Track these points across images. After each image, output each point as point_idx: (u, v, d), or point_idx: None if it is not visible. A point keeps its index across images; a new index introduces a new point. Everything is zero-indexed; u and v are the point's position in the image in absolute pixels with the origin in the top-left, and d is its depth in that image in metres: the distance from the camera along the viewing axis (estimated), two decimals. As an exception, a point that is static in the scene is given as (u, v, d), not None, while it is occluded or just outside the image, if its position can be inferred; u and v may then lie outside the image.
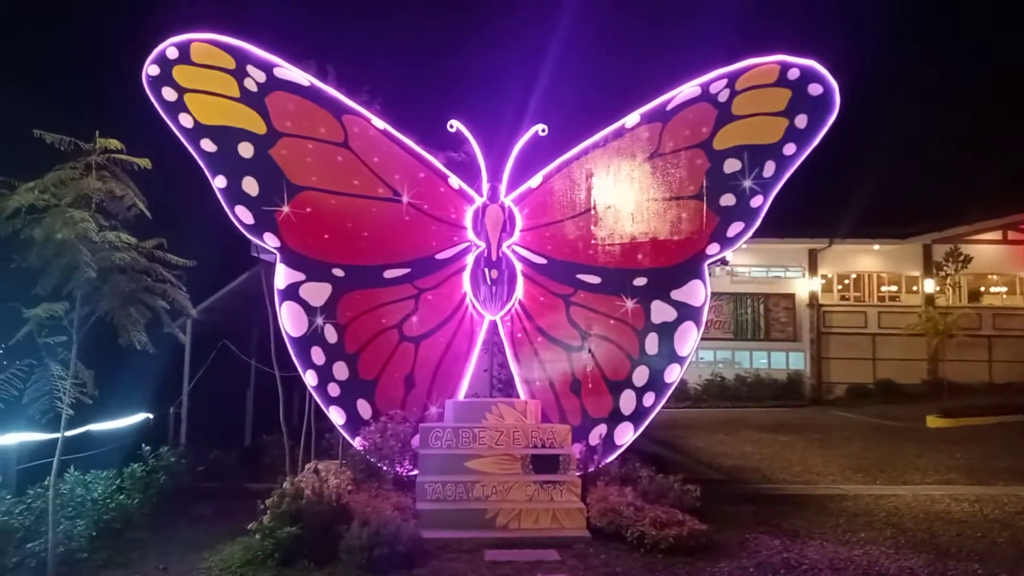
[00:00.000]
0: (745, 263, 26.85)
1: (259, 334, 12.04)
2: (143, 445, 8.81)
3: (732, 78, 8.79)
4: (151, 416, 11.07)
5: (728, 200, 8.82)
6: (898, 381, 25.50)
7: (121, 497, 7.66)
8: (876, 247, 27.52)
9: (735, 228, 8.85)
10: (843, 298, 28.10)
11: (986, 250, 27.21)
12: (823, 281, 27.71)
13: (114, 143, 6.46)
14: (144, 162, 6.67)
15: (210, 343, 11.95)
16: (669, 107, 9.01)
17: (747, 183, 8.73)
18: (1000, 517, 8.49)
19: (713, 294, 9.41)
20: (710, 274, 9.37)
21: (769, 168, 8.67)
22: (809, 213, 23.75)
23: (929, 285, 27.06)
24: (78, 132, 6.53)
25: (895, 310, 27.18)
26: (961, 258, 24.96)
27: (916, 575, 6.25)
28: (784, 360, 27.03)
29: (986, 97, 38.72)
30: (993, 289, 28.51)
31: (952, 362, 24.27)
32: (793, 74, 8.57)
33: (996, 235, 27.49)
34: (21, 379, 6.11)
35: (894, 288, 28.32)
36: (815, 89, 8.51)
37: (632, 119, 9.15)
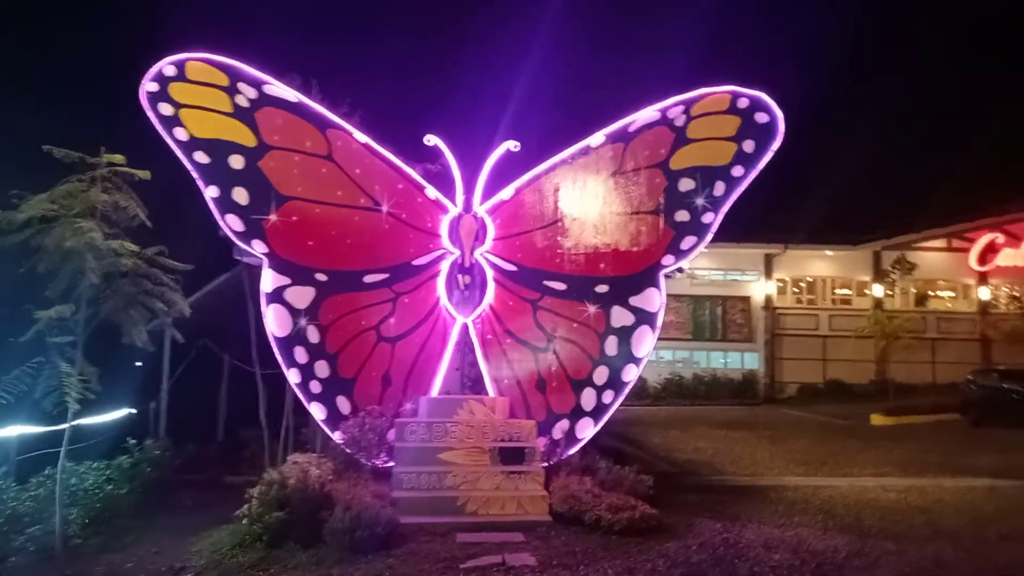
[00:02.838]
0: (704, 266, 27.69)
1: (234, 333, 12.46)
2: (127, 439, 9.26)
3: (688, 104, 9.55)
4: (133, 411, 11.46)
5: (683, 216, 9.59)
6: (847, 381, 26.52)
7: (110, 487, 8.10)
8: (829, 253, 28.59)
9: (688, 241, 9.62)
10: (797, 301, 29.15)
11: (932, 257, 28.52)
12: (778, 285, 28.72)
13: (119, 157, 6.98)
14: (144, 174, 7.20)
15: (186, 341, 12.32)
16: (630, 129, 9.74)
17: (700, 201, 9.51)
18: (921, 504, 9.36)
19: (673, 296, 10.17)
20: (670, 278, 10.14)
21: (719, 188, 9.46)
22: (766, 219, 24.68)
23: (878, 290, 28.28)
24: (62, 143, 6.99)
25: (845, 313, 28.31)
26: (907, 266, 26.32)
27: (838, 551, 7.05)
28: (740, 360, 27.97)
29: (932, 115, 40.46)
30: (940, 294, 29.87)
31: (899, 363, 25.45)
32: (742, 103, 9.37)
33: (941, 243, 28.73)
34: (30, 375, 6.61)
35: (846, 292, 29.51)
36: (762, 117, 9.32)
37: (597, 139, 9.85)
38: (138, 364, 11.05)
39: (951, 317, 28.78)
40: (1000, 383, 18.06)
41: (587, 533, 7.44)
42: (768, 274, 28.35)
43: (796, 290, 29.30)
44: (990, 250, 27.86)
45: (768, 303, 28.18)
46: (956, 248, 28.78)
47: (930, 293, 29.40)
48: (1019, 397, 17.17)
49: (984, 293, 28.70)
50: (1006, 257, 27.60)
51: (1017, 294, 28.81)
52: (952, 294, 29.81)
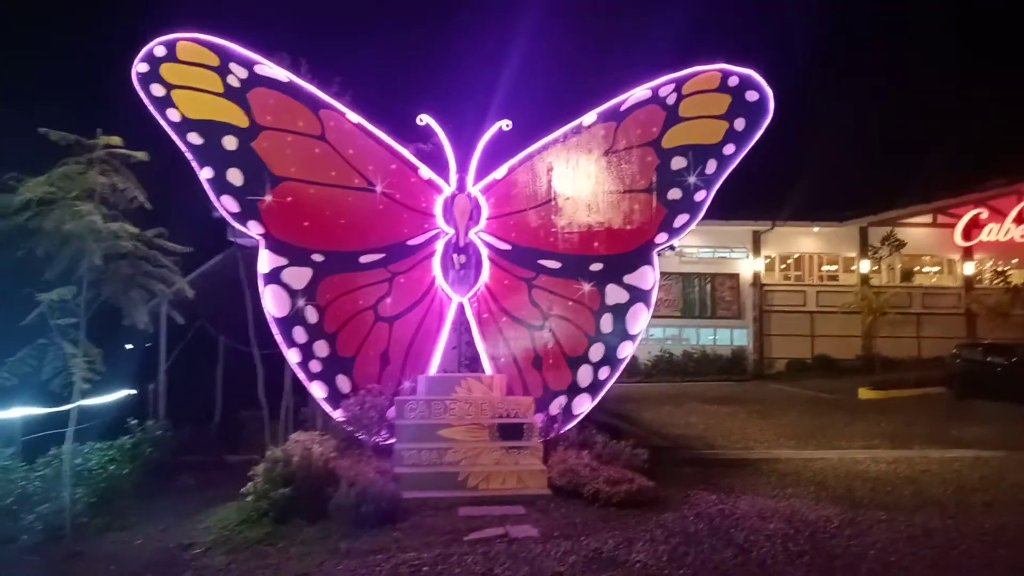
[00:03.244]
0: (693, 244, 27.89)
1: (229, 314, 12.49)
2: (129, 419, 9.33)
3: (679, 83, 9.62)
4: (133, 392, 11.50)
5: (675, 194, 9.70)
6: (834, 356, 26.86)
7: (113, 468, 8.18)
8: (816, 229, 28.86)
9: (681, 219, 9.74)
10: (785, 278, 29.45)
11: (917, 233, 28.82)
12: (766, 261, 28.99)
13: (116, 139, 6.98)
14: (142, 155, 7.20)
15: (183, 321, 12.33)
16: (622, 108, 9.80)
17: (692, 179, 9.62)
18: (910, 475, 9.59)
19: (663, 273, 10.24)
20: (660, 255, 10.26)
21: (711, 166, 9.57)
22: (753, 197, 24.80)
23: (864, 266, 28.61)
24: (56, 128, 6.98)
25: (832, 289, 28.63)
26: (895, 242, 26.65)
27: (831, 521, 7.25)
28: (729, 336, 28.30)
29: (917, 93, 40.75)
30: (925, 269, 30.24)
31: (885, 338, 25.81)
32: (733, 81, 9.46)
33: (927, 219, 29.02)
34: (35, 357, 6.66)
35: (833, 268, 29.82)
36: (752, 95, 9.42)
37: (589, 118, 9.90)
38: (129, 346, 11.08)
39: (936, 292, 29.18)
40: (984, 357, 18.37)
41: (586, 505, 7.61)
42: (756, 251, 28.60)
43: (784, 267, 29.58)
44: (974, 225, 28.19)
45: (756, 280, 28.45)
46: (941, 224, 29.09)
47: (915, 269, 29.79)
48: (1003, 370, 17.49)
49: (969, 268, 29.09)
50: (990, 232, 27.94)
51: (1001, 269, 29.17)
52: (937, 269, 30.19)
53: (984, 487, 8.90)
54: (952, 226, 28.59)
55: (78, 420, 7.48)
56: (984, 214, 27.95)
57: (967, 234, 28.30)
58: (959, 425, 13.90)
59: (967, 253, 29.04)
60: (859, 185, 30.19)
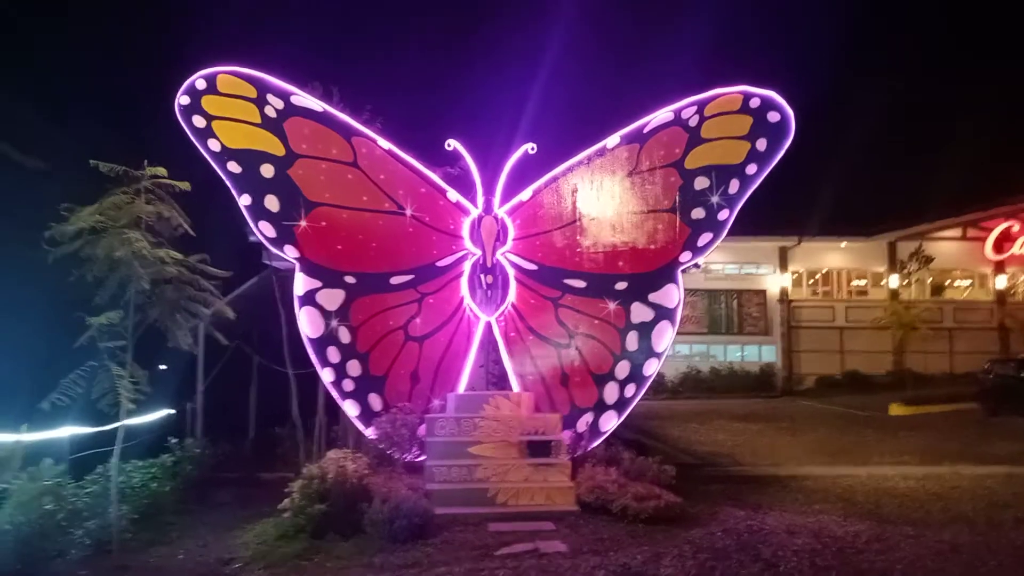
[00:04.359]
0: (719, 260, 27.79)
1: (263, 335, 12.80)
2: (168, 438, 9.65)
3: (701, 105, 9.81)
4: (173, 412, 11.85)
5: (698, 213, 9.86)
6: (864, 372, 26.58)
7: (155, 485, 8.50)
8: (843, 244, 28.62)
9: (705, 238, 9.89)
10: (813, 293, 29.20)
11: (948, 246, 28.51)
12: (793, 277, 28.79)
13: (160, 170, 7.33)
14: (185, 185, 7.55)
15: (217, 343, 12.66)
16: (645, 130, 10.02)
17: (715, 199, 9.77)
18: (939, 492, 9.55)
19: (688, 290, 10.39)
20: (686, 273, 10.40)
21: (734, 185, 9.72)
22: (779, 212, 24.67)
23: (894, 280, 28.32)
24: (84, 156, 7.34)
25: (862, 304, 28.35)
26: (924, 258, 26.37)
27: (859, 537, 7.28)
28: (756, 353, 28.10)
29: (943, 105, 40.33)
30: (956, 283, 29.85)
31: (916, 354, 25.43)
32: (754, 102, 9.62)
33: (956, 232, 28.70)
34: (84, 379, 6.99)
35: (861, 283, 29.55)
36: (773, 116, 9.57)
37: (613, 140, 10.12)
38: (162, 367, 11.43)
39: (968, 306, 28.77)
40: (1018, 372, 18.07)
41: (614, 521, 7.73)
42: (783, 267, 28.45)
43: (811, 282, 29.37)
44: (1006, 238, 27.83)
45: (783, 296, 28.28)
46: (972, 237, 28.76)
47: (946, 283, 29.41)
48: (1037, 386, 17.22)
49: (1001, 282, 28.66)
50: (1022, 245, 27.54)
51: (1034, 283, 28.72)
52: (968, 283, 29.78)
53: (1016, 503, 8.84)
54: (983, 239, 28.25)
55: (123, 439, 7.80)
56: (1016, 227, 27.57)
57: (999, 247, 27.94)
58: (991, 441, 13.75)
59: (999, 267, 28.63)
60: (886, 199, 29.87)
